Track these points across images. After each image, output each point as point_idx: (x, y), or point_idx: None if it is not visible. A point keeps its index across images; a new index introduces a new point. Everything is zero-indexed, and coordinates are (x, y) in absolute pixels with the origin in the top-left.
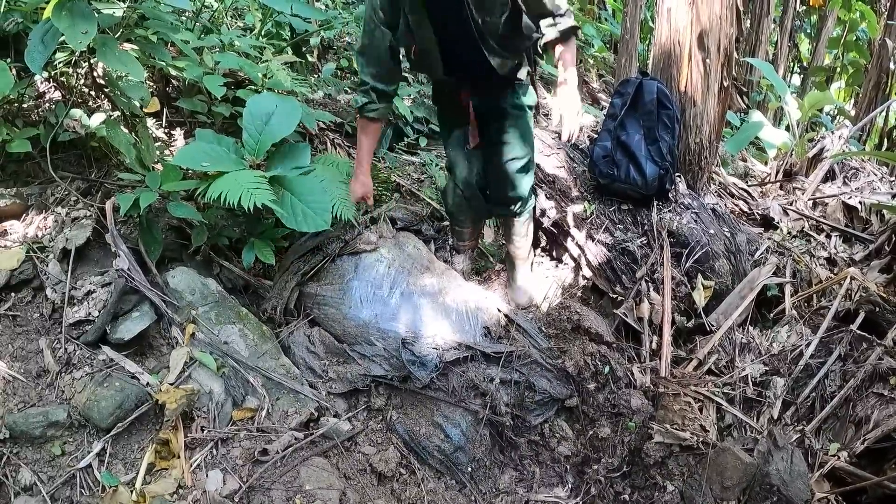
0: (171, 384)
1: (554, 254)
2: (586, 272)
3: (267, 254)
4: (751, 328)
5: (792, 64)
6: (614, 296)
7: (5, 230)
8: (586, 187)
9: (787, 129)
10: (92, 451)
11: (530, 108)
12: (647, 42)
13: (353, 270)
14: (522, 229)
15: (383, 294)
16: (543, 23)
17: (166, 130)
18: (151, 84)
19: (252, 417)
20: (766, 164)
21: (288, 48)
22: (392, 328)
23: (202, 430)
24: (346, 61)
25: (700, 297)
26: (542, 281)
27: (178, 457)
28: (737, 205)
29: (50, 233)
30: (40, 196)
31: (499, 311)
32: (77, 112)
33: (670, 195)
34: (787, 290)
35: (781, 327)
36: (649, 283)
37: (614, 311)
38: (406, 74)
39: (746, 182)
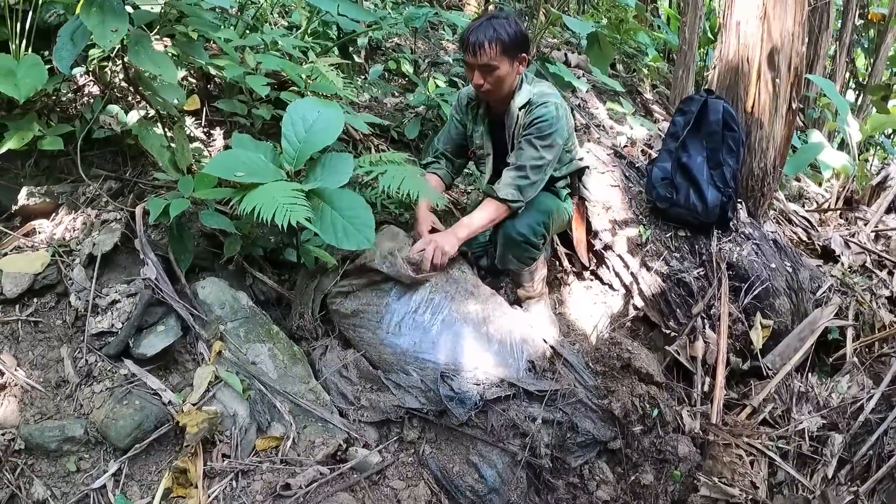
0: (194, 405)
1: (604, 279)
2: (638, 302)
3: (310, 258)
4: (809, 375)
5: (848, 80)
6: (667, 331)
7: (34, 229)
8: (642, 210)
9: (842, 145)
10: (108, 470)
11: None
12: (703, 53)
13: (391, 291)
14: (527, 276)
15: (424, 321)
16: (506, 169)
17: (206, 130)
18: (193, 81)
19: (277, 447)
20: (820, 184)
21: (334, 49)
22: (431, 358)
23: (223, 459)
24: (395, 63)
25: (758, 338)
26: (552, 319)
27: (196, 486)
28: (795, 233)
29: (78, 235)
30: (71, 195)
31: (545, 342)
32: (114, 108)
33: (731, 224)
34: (849, 333)
35: (842, 376)
36: (705, 320)
37: (666, 347)
38: None
39: (801, 204)
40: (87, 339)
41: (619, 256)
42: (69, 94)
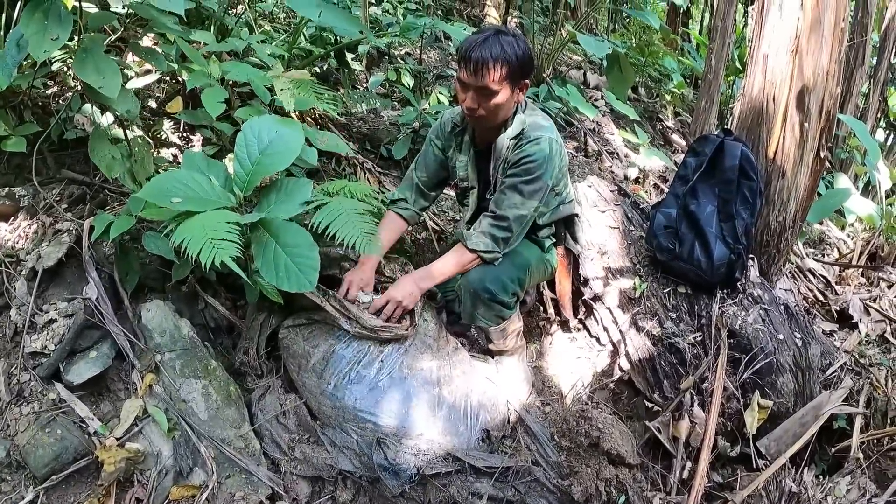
0: (118, 439)
1: (592, 331)
2: (624, 364)
3: (254, 291)
4: (805, 471)
5: (878, 118)
6: (650, 404)
7: None
8: (640, 259)
9: (868, 187)
10: (25, 497)
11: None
12: (731, 82)
13: (340, 335)
14: (497, 333)
15: (369, 375)
16: (484, 215)
17: (184, 134)
18: (176, 82)
19: (193, 497)
20: (843, 228)
21: (328, 54)
22: (372, 419)
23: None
24: (395, 73)
25: (753, 421)
26: (526, 376)
27: None
28: (811, 290)
29: (28, 245)
30: (33, 198)
31: (508, 407)
32: (88, 108)
33: (738, 284)
34: (857, 423)
35: (842, 477)
36: (694, 395)
37: (646, 422)
38: None
39: (821, 251)
40: (22, 357)
41: (609, 310)
42: (52, 90)
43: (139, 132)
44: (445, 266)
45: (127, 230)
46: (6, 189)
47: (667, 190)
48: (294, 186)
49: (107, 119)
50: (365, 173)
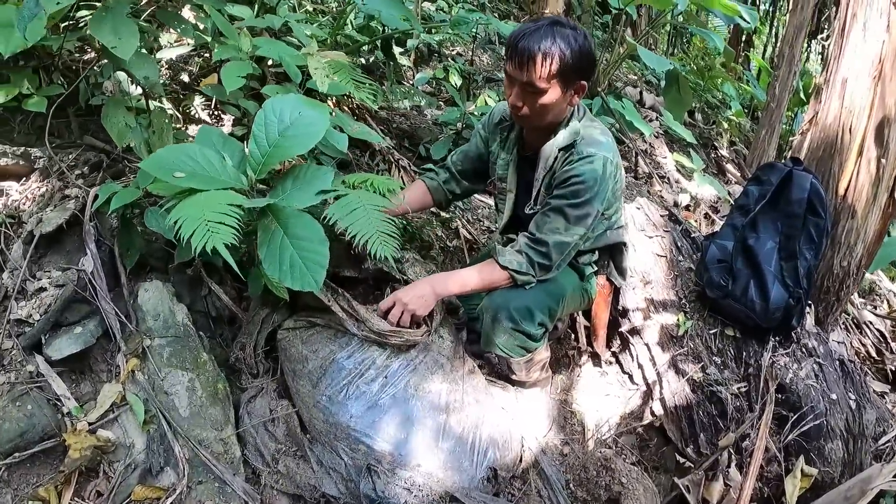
0: (91, 423)
1: (625, 366)
2: (657, 408)
3: (258, 283)
4: None
5: None
6: (682, 459)
7: (1, 190)
8: (687, 293)
9: None
10: None
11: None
12: (792, 114)
13: (343, 342)
14: (519, 365)
15: (370, 391)
16: (523, 235)
17: (215, 112)
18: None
19: (158, 499)
20: (893, 280)
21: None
22: (365, 441)
23: (95, 497)
24: (443, 71)
25: (794, 490)
26: (547, 409)
27: None
28: (864, 346)
29: (33, 207)
30: (50, 161)
31: (523, 444)
32: (122, 75)
33: (793, 333)
34: None
35: None
36: (732, 454)
37: (675, 478)
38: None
39: (871, 301)
40: (7, 323)
41: (647, 346)
42: (88, 55)
43: (167, 104)
44: (470, 277)
45: (130, 203)
46: (22, 148)
47: (718, 220)
48: (313, 174)
49: (136, 88)
50: (399, 171)
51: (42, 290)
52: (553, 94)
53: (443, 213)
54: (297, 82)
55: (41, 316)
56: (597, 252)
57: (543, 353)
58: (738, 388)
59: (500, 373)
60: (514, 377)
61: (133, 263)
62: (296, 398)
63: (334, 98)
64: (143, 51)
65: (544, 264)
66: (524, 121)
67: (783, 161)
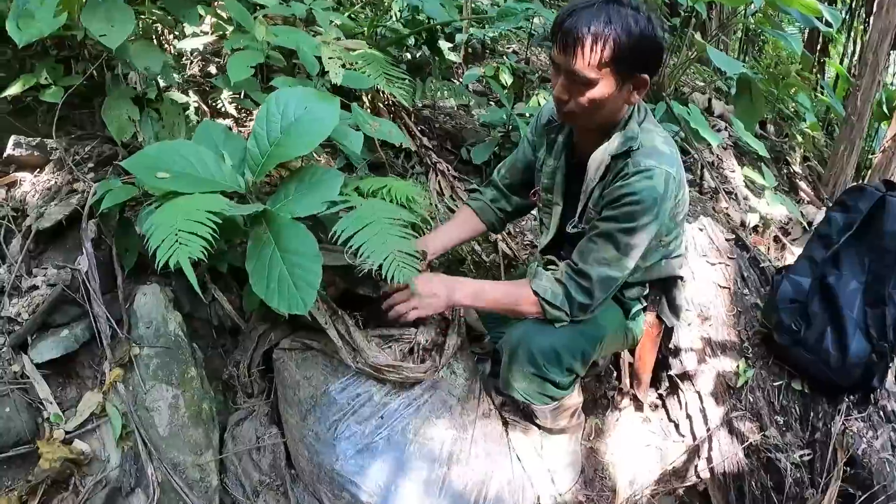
0: (68, 432)
1: (671, 413)
2: (703, 469)
3: (253, 299)
4: None
5: None
6: None
7: (17, 181)
8: (751, 333)
9: None
10: None
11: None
12: (874, 130)
13: (337, 372)
14: (543, 413)
15: (362, 431)
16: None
17: (241, 107)
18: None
19: None
20: None
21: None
22: (350, 489)
23: None
24: (493, 69)
25: None
26: (574, 459)
27: None
28: None
29: (38, 200)
30: (66, 151)
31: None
32: None
33: (872, 394)
34: None
35: None
36: None
37: None
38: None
39: None
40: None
41: (699, 395)
42: None
43: (193, 97)
44: (494, 292)
45: (124, 202)
46: (38, 139)
47: (788, 244)
48: (321, 178)
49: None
50: (437, 175)
51: (34, 287)
52: (605, 87)
53: None
54: (313, 74)
55: (29, 315)
56: (647, 285)
57: (575, 398)
58: (801, 457)
59: (525, 412)
60: (537, 422)
61: (132, 265)
62: (285, 427)
63: (369, 95)
64: (148, 40)
65: (583, 303)
66: (571, 119)
67: (874, 184)
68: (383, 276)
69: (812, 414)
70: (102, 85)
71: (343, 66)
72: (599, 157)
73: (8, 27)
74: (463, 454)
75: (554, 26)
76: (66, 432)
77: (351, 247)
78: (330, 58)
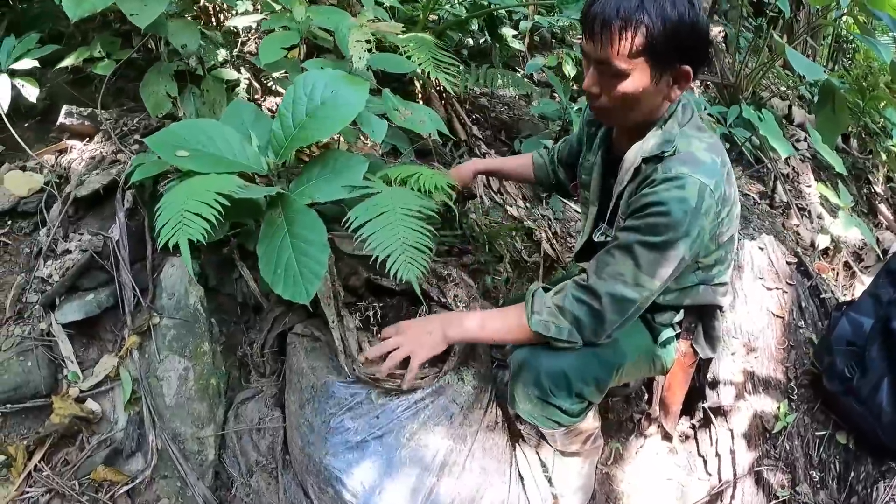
0: (83, 391)
1: (700, 449)
2: None
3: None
4: None
5: None
6: None
7: (68, 148)
8: (799, 372)
9: None
10: None
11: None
12: None
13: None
14: (549, 437)
15: (355, 428)
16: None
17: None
18: None
19: (114, 483)
20: None
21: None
22: (335, 485)
23: (60, 466)
24: (555, 59)
25: None
26: (585, 484)
27: (13, 482)
28: None
29: (82, 168)
30: (116, 122)
31: None
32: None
33: None
34: None
35: None
36: None
37: None
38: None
39: None
40: (33, 278)
41: (731, 434)
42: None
43: (245, 74)
44: (494, 325)
45: (158, 175)
46: (89, 109)
47: (859, 272)
48: (345, 163)
49: (221, 54)
50: None
51: (67, 252)
52: (638, 79)
53: (527, 222)
54: (349, 56)
55: (60, 277)
56: (682, 310)
57: (589, 423)
58: None
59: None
60: (549, 442)
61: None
62: (286, 412)
63: (420, 81)
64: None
65: (595, 327)
66: (603, 115)
67: None
68: (387, 271)
69: (853, 474)
70: (157, 60)
71: (370, 49)
72: (632, 158)
73: (63, 1)
74: (456, 467)
75: (583, 12)
76: (81, 391)
77: (360, 235)
78: (357, 41)
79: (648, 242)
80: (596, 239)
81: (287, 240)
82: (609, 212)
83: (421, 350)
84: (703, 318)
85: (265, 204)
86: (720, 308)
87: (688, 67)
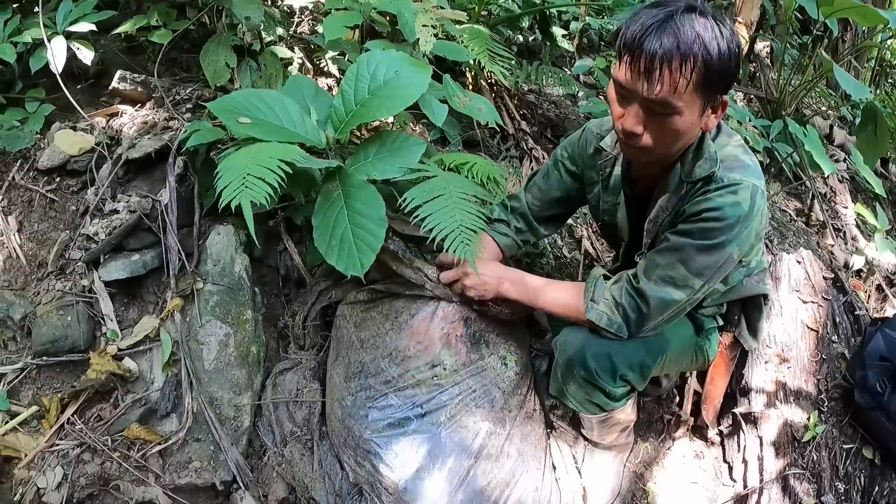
0: (121, 350)
1: (727, 455)
2: None
3: (315, 254)
4: None
5: None
6: None
7: (119, 112)
8: (830, 385)
9: None
10: (15, 364)
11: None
12: None
13: (392, 340)
14: (591, 423)
15: (399, 405)
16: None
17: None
18: None
19: (147, 443)
20: None
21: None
22: (372, 460)
23: (93, 421)
24: (603, 60)
25: None
26: (614, 480)
27: (43, 434)
28: None
29: (134, 132)
30: (168, 90)
31: None
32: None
33: None
34: None
35: None
36: None
37: None
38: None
39: None
40: (79, 235)
41: (760, 441)
42: None
43: (298, 53)
44: (548, 296)
45: (211, 143)
46: (143, 76)
47: (893, 297)
48: (403, 144)
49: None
50: (531, 161)
51: (115, 212)
52: (690, 115)
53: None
54: (411, 41)
55: (106, 236)
56: (725, 304)
57: (628, 413)
58: None
59: (573, 419)
60: (584, 432)
61: (211, 204)
62: (327, 384)
63: (472, 72)
64: None
65: (641, 322)
66: (643, 154)
67: None
68: (445, 249)
69: (877, 489)
70: (212, 33)
71: (436, 35)
72: (673, 181)
73: None
74: (494, 450)
75: (626, 42)
76: (119, 349)
77: (417, 216)
78: (424, 25)
79: (700, 246)
80: (637, 260)
81: (344, 212)
82: (646, 241)
83: (470, 292)
84: (747, 310)
85: (320, 177)
86: (765, 297)
87: (726, 97)
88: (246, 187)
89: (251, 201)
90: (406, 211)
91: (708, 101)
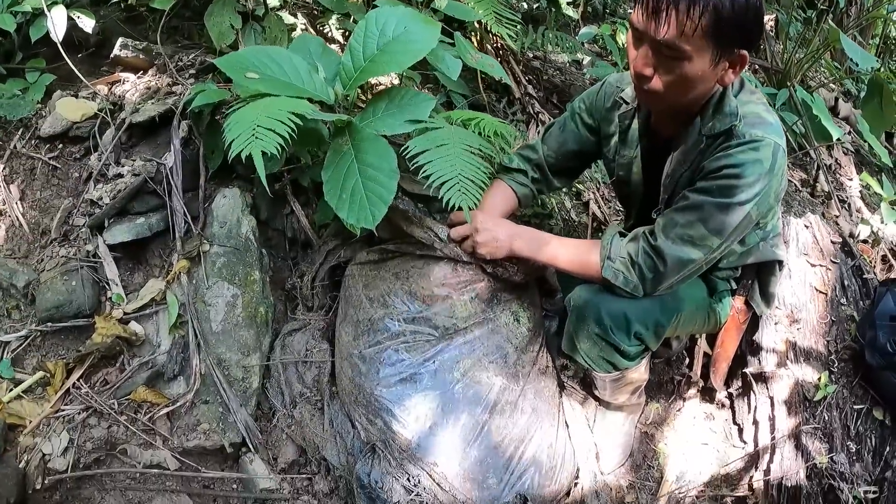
0: (126, 314)
1: (738, 416)
2: (758, 481)
3: (326, 210)
4: None
5: None
6: None
7: (120, 79)
8: (840, 347)
9: None
10: (19, 332)
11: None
12: None
13: (401, 293)
14: (604, 382)
15: (411, 360)
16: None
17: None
18: None
19: (154, 405)
20: None
21: None
22: (384, 416)
23: (99, 384)
24: (609, 27)
25: None
26: (625, 440)
27: (48, 401)
28: None
29: (136, 98)
30: (171, 57)
31: (577, 478)
32: None
33: None
34: None
35: None
36: None
37: None
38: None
39: None
40: (81, 201)
41: (771, 401)
42: None
43: (301, 19)
44: (560, 252)
45: (216, 104)
46: (144, 43)
47: None
48: (410, 100)
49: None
50: (538, 125)
51: (119, 176)
52: (700, 62)
53: (577, 184)
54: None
55: (110, 200)
56: (739, 268)
57: (640, 373)
58: (865, 493)
59: (584, 380)
60: (596, 392)
61: (216, 166)
62: (336, 344)
63: (478, 35)
64: None
65: (656, 281)
66: (652, 99)
67: None
68: (441, 198)
69: (888, 449)
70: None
71: None
72: (694, 135)
73: None
74: (508, 406)
75: None
76: (125, 313)
77: (417, 163)
78: None
79: (719, 204)
80: (654, 217)
81: (354, 166)
82: (663, 197)
83: (484, 251)
84: (760, 275)
85: (329, 135)
86: (780, 262)
87: (745, 52)
88: (256, 138)
89: (262, 151)
90: (407, 157)
91: (721, 52)
